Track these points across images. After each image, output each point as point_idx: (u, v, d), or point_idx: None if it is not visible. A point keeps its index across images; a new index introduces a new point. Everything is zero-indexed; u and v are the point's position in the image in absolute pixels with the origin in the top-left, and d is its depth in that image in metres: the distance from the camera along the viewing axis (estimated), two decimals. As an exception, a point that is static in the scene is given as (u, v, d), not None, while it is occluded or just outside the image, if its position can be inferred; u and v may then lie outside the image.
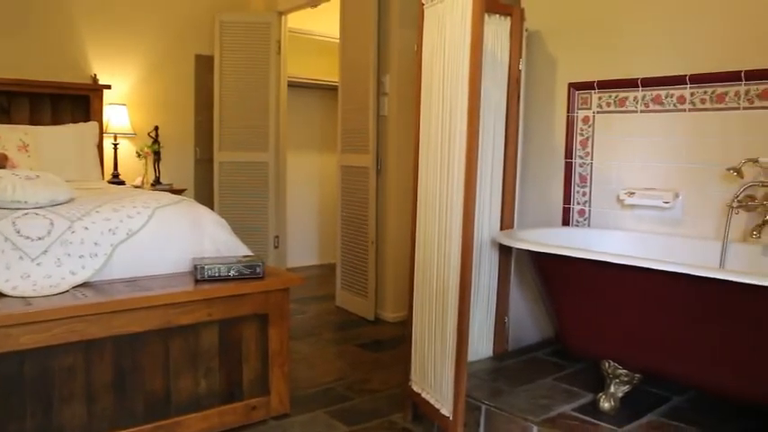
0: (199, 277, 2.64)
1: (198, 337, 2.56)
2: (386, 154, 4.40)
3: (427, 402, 2.56)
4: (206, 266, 2.65)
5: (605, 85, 3.05)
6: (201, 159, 5.65)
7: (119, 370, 2.36)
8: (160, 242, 2.75)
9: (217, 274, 2.66)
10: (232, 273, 2.69)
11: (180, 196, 3.09)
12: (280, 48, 5.42)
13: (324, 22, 5.84)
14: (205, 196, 5.43)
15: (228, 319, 2.63)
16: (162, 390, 2.47)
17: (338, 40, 4.79)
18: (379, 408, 2.94)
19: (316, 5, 5.20)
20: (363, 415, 2.86)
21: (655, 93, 2.89)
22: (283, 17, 5.46)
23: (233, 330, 2.66)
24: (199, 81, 5.61)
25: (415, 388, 2.68)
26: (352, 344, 3.90)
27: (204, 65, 5.57)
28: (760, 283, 1.85)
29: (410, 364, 2.72)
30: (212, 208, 4.75)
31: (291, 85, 5.76)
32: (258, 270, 2.74)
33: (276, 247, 5.54)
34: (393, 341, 3.94)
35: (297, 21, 5.72)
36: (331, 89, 5.79)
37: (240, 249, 2.98)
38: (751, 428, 2.27)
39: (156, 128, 5.21)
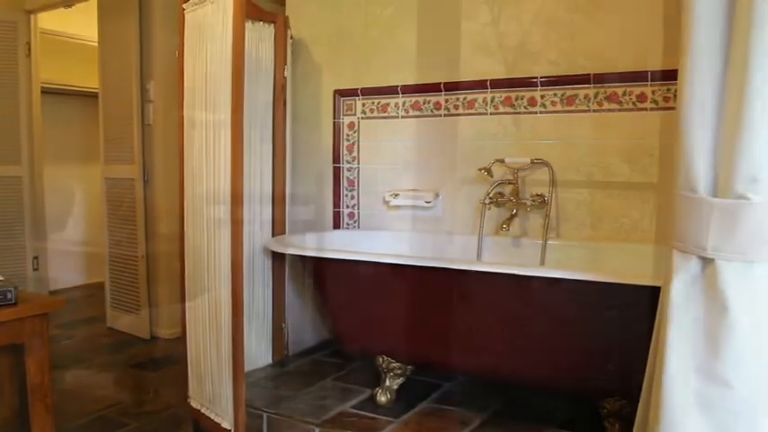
0: (-65, 309, 2.33)
1: (-63, 378, 2.27)
2: (153, 164, 4.22)
3: (207, 417, 2.50)
4: (-56, 297, 2.35)
5: (368, 92, 3.18)
6: (-61, 176, 5.00)
7: None
8: None
9: (-42, 305, 2.37)
10: (-23, 301, 2.41)
11: None
12: (30, 50, 4.94)
13: (83, 24, 5.43)
14: (-55, 217, 4.81)
15: (-25, 353, 2.36)
16: None
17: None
18: (159, 429, 2.80)
19: (70, 5, 4.80)
20: (140, 439, 2.71)
21: (414, 99, 3.07)
22: (33, 16, 4.97)
23: (-19, 366, 2.39)
24: (-71, 87, 4.96)
25: (195, 404, 2.60)
26: (126, 365, 3.67)
27: (-65, 68, 4.93)
28: (502, 271, 2.05)
29: (188, 380, 2.63)
30: (-45, 230, 4.22)
31: (47, 91, 5.28)
32: (9, 296, 2.47)
33: (36, 270, 5.05)
34: (170, 358, 3.78)
35: (51, 21, 5.25)
36: (92, 96, 5.40)
37: (-13, 274, 2.69)
38: (516, 401, 2.50)
39: None
